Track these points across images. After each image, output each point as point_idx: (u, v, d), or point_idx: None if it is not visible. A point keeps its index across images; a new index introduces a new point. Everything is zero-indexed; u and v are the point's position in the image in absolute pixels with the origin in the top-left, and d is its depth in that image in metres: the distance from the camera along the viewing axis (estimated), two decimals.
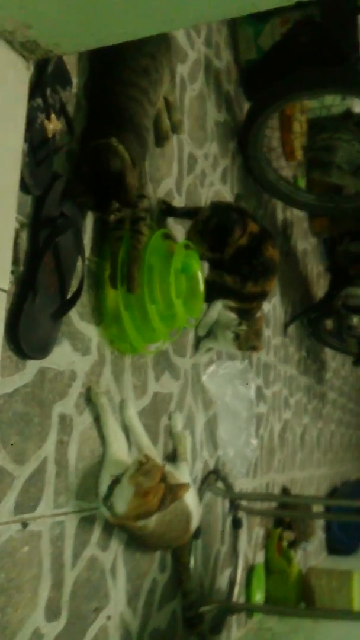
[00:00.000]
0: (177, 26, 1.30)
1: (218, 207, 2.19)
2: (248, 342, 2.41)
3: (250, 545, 3.11)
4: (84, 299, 1.64)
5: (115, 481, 1.63)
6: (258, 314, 2.51)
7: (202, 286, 1.97)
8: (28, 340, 1.37)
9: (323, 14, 3.00)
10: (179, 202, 2.32)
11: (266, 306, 3.52)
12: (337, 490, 5.85)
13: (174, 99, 2.15)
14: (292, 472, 4.17)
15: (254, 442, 2.74)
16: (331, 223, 3.89)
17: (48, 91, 1.47)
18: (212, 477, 2.50)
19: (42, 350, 1.43)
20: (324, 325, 4.68)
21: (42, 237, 1.44)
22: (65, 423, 1.53)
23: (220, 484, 2.57)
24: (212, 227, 2.10)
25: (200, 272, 1.96)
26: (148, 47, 1.72)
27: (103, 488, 1.63)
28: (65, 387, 1.54)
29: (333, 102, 3.31)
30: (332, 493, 5.69)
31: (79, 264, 1.57)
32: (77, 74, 1.67)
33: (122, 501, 1.59)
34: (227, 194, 2.93)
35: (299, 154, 4.09)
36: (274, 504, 3.52)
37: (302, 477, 4.54)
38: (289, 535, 3.50)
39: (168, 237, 1.90)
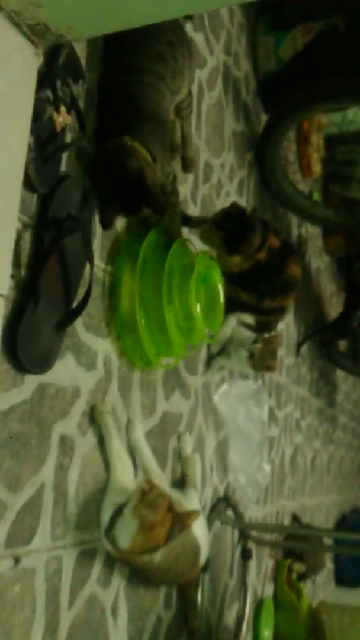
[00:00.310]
0: (204, 7, 1.17)
1: (239, 208, 2.04)
2: (263, 361, 2.27)
3: (259, 577, 2.95)
4: (91, 308, 1.51)
5: (118, 511, 1.48)
6: (274, 333, 2.37)
7: (222, 298, 1.83)
8: (28, 353, 1.23)
9: (347, 25, 2.89)
10: (193, 211, 2.19)
11: (279, 325, 3.39)
12: (346, 518, 5.67)
13: (189, 129, 2.03)
14: (302, 499, 4.01)
15: (267, 467, 2.59)
16: (348, 240, 3.76)
17: (58, 83, 1.35)
18: (222, 505, 2.35)
19: (42, 363, 1.29)
20: (337, 346, 4.54)
21: (47, 240, 1.31)
22: (66, 445, 1.39)
23: (229, 512, 2.41)
24: (230, 225, 1.96)
25: (222, 284, 1.83)
26: (166, 36, 1.60)
27: (105, 519, 1.49)
28: (68, 405, 1.41)
29: (355, 117, 3.19)
30: (341, 521, 5.50)
31: (87, 270, 1.44)
32: (91, 68, 1.55)
33: (126, 535, 1.45)
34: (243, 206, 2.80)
35: (316, 169, 3.97)
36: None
37: (312, 504, 4.38)
38: (299, 567, 3.33)
39: (188, 246, 1.78)
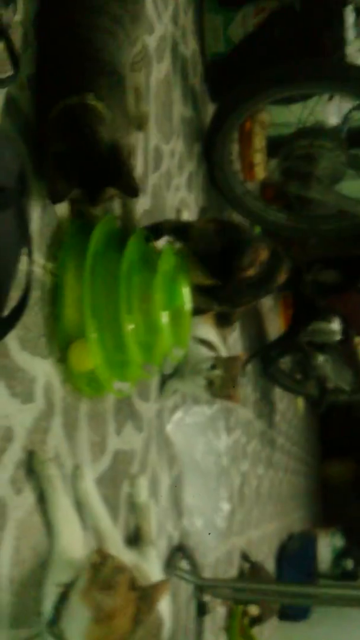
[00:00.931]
0: None
1: (225, 226, 1.68)
2: (223, 390, 1.90)
3: (213, 629, 2.56)
4: (28, 319, 1.11)
5: (64, 596, 1.07)
6: (234, 356, 2.00)
7: (189, 307, 1.45)
8: None
9: (304, 5, 2.58)
10: (143, 203, 1.81)
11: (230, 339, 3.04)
12: (285, 547, 5.35)
13: (141, 84, 1.66)
14: (249, 532, 3.65)
15: (225, 507, 2.22)
16: (299, 248, 3.45)
17: None
18: (177, 556, 1.95)
19: None
20: (277, 363, 4.22)
21: None
22: None
23: (184, 564, 2.02)
24: (215, 248, 1.58)
25: (189, 288, 1.45)
26: None
27: (47, 606, 1.08)
28: None
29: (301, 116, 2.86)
30: (281, 550, 5.19)
31: (23, 264, 1.03)
32: None
33: (75, 629, 1.04)
34: (192, 204, 2.44)
35: (259, 172, 3.66)
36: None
37: (257, 536, 4.03)
38: (254, 610, 2.97)
39: (148, 240, 1.40)
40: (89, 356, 1.19)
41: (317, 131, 2.59)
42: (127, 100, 1.28)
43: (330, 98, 2.69)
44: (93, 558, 1.09)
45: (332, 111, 3.01)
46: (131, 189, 1.13)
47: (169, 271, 1.34)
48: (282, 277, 1.79)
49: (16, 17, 1.10)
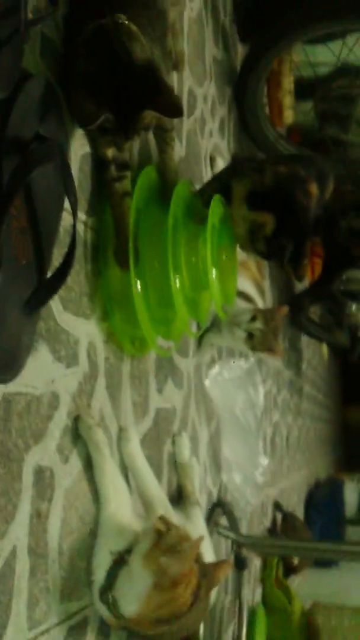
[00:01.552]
0: None
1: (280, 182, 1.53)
2: (265, 343, 1.83)
3: (250, 582, 2.56)
4: (70, 277, 1.04)
5: (119, 562, 1.04)
6: (275, 308, 1.93)
7: (236, 263, 1.38)
8: None
9: None
10: (178, 150, 1.72)
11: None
12: (313, 495, 5.36)
13: (177, 21, 1.55)
14: (280, 482, 3.64)
15: (264, 462, 2.18)
16: (333, 193, 3.33)
17: None
18: (217, 513, 1.93)
19: (9, 365, 0.83)
20: (307, 312, 4.14)
21: (7, 173, 0.83)
22: (43, 481, 0.93)
23: (223, 520, 2.00)
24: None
25: (235, 246, 1.37)
26: None
27: (99, 574, 1.04)
28: (43, 422, 0.95)
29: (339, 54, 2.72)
30: (309, 499, 5.20)
31: (65, 219, 0.97)
32: None
33: (133, 596, 1.00)
34: (225, 152, 2.34)
35: (288, 116, 3.52)
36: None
37: (288, 485, 4.02)
38: (294, 560, 2.97)
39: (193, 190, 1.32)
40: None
41: (357, 71, 2.46)
42: (167, 37, 1.18)
43: None
44: (155, 523, 1.05)
45: None
46: (173, 108, 1.01)
47: (216, 225, 1.26)
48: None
49: None
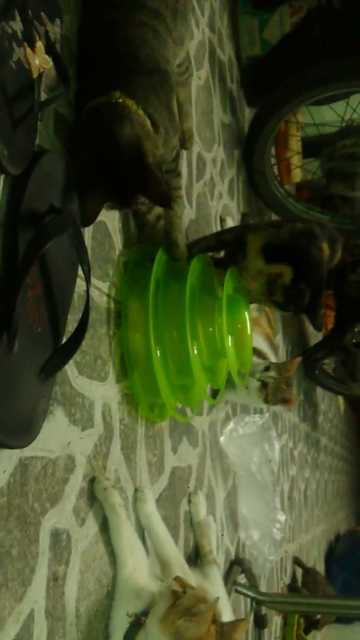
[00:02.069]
0: None
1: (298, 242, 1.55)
2: (278, 393, 1.84)
3: (270, 638, 2.51)
4: (84, 341, 1.07)
5: (136, 624, 1.04)
6: (288, 361, 1.95)
7: (249, 331, 1.41)
8: (1, 416, 0.80)
9: (343, 1, 2.51)
10: (189, 213, 1.78)
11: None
12: (333, 550, 5.27)
13: (185, 100, 1.62)
14: (299, 537, 3.60)
15: (282, 518, 2.17)
16: (343, 248, 3.37)
17: (29, 15, 0.92)
18: (235, 570, 1.91)
19: (25, 430, 0.85)
20: (321, 364, 4.15)
21: (23, 244, 0.87)
22: (59, 544, 0.95)
23: (242, 577, 1.98)
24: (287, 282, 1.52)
25: (249, 314, 1.41)
26: None
27: (117, 637, 1.05)
28: (59, 485, 0.97)
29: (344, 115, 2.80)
30: (329, 553, 5.11)
31: (79, 285, 1.01)
32: (68, 10, 1.13)
33: None
34: (234, 211, 2.40)
35: (296, 174, 3.60)
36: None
37: (307, 540, 3.97)
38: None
39: (208, 262, 1.36)
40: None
41: None
42: (173, 100, 1.22)
43: None
44: (173, 586, 1.06)
45: None
46: (159, 199, 1.05)
47: (231, 295, 1.31)
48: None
49: (62, 31, 1.07)
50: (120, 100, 1.02)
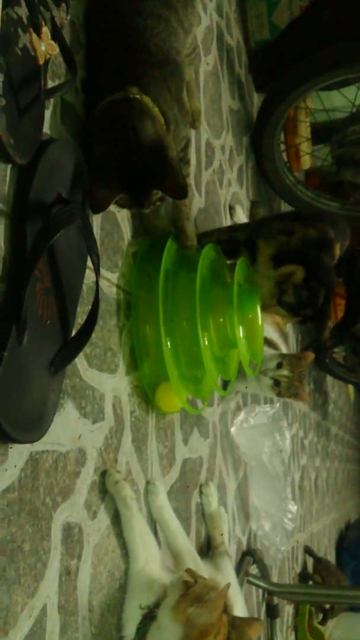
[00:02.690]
0: None
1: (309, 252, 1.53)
2: (290, 389, 1.84)
3: (282, 630, 2.51)
4: (94, 333, 1.06)
5: (149, 617, 1.03)
6: (300, 354, 1.93)
7: (261, 322, 1.39)
8: (11, 411, 0.78)
9: None
10: (198, 202, 1.76)
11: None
12: (345, 537, 5.27)
13: (192, 79, 1.60)
14: (310, 526, 3.59)
15: (293, 508, 2.16)
16: (354, 236, 3.35)
17: (35, 0, 0.90)
18: (248, 562, 1.91)
19: (35, 425, 0.84)
20: (331, 353, 4.12)
21: (31, 235, 0.85)
22: (71, 538, 0.94)
23: (254, 568, 1.97)
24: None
25: (260, 304, 1.39)
26: None
27: (129, 630, 1.04)
28: (71, 478, 0.95)
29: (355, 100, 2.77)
30: (340, 541, 5.10)
31: (88, 276, 0.99)
32: None
33: None
34: (243, 199, 2.37)
35: (305, 161, 3.56)
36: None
37: (318, 529, 3.96)
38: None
39: (218, 252, 1.35)
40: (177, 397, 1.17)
41: None
42: (184, 90, 1.21)
43: None
44: (182, 575, 1.05)
45: None
46: (178, 190, 1.04)
47: (243, 285, 1.29)
48: None
49: (68, 16, 1.05)
50: (138, 96, 1.02)
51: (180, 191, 1.05)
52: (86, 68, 1.11)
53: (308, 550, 3.24)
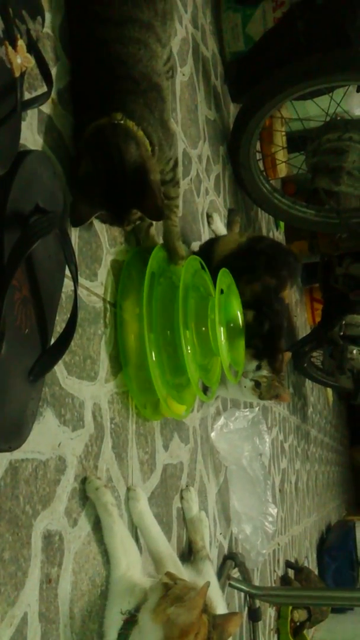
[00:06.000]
0: None
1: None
2: (271, 390, 1.85)
3: (265, 633, 2.53)
4: (73, 342, 1.07)
5: (130, 621, 1.04)
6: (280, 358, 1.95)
7: (242, 328, 1.42)
8: None
9: None
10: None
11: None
12: (325, 540, 5.30)
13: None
14: (291, 529, 3.61)
15: (273, 511, 2.17)
16: (329, 242, 3.39)
17: (10, 13, 0.91)
18: (229, 565, 1.92)
19: (14, 433, 0.85)
20: (309, 357, 4.16)
21: (8, 246, 0.86)
22: (52, 546, 0.95)
23: (235, 572, 1.99)
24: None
25: (240, 313, 1.42)
26: None
27: (111, 635, 1.04)
28: (51, 486, 0.96)
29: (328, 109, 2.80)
30: (321, 543, 5.13)
31: (66, 286, 1.00)
32: (51, 7, 1.12)
33: None
34: (221, 207, 2.39)
35: (281, 169, 3.61)
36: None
37: (299, 532, 3.98)
38: (300, 615, 2.93)
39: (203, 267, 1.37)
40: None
41: (345, 124, 2.53)
42: (167, 112, 1.24)
43: (358, 89, 2.61)
44: (164, 579, 1.06)
45: (358, 103, 2.96)
46: (155, 212, 1.09)
47: (224, 293, 1.31)
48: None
49: (44, 29, 1.07)
50: (122, 122, 1.07)
51: (157, 213, 1.10)
52: (73, 95, 1.14)
53: (289, 565, 3.25)
